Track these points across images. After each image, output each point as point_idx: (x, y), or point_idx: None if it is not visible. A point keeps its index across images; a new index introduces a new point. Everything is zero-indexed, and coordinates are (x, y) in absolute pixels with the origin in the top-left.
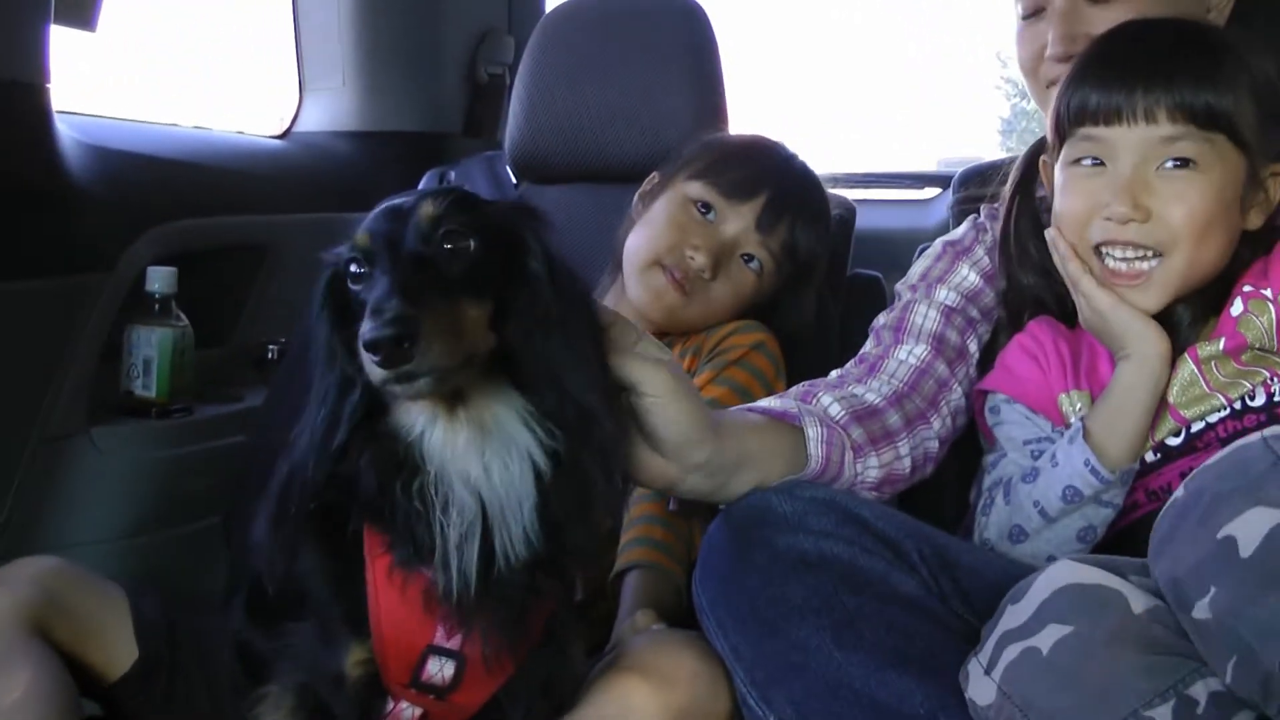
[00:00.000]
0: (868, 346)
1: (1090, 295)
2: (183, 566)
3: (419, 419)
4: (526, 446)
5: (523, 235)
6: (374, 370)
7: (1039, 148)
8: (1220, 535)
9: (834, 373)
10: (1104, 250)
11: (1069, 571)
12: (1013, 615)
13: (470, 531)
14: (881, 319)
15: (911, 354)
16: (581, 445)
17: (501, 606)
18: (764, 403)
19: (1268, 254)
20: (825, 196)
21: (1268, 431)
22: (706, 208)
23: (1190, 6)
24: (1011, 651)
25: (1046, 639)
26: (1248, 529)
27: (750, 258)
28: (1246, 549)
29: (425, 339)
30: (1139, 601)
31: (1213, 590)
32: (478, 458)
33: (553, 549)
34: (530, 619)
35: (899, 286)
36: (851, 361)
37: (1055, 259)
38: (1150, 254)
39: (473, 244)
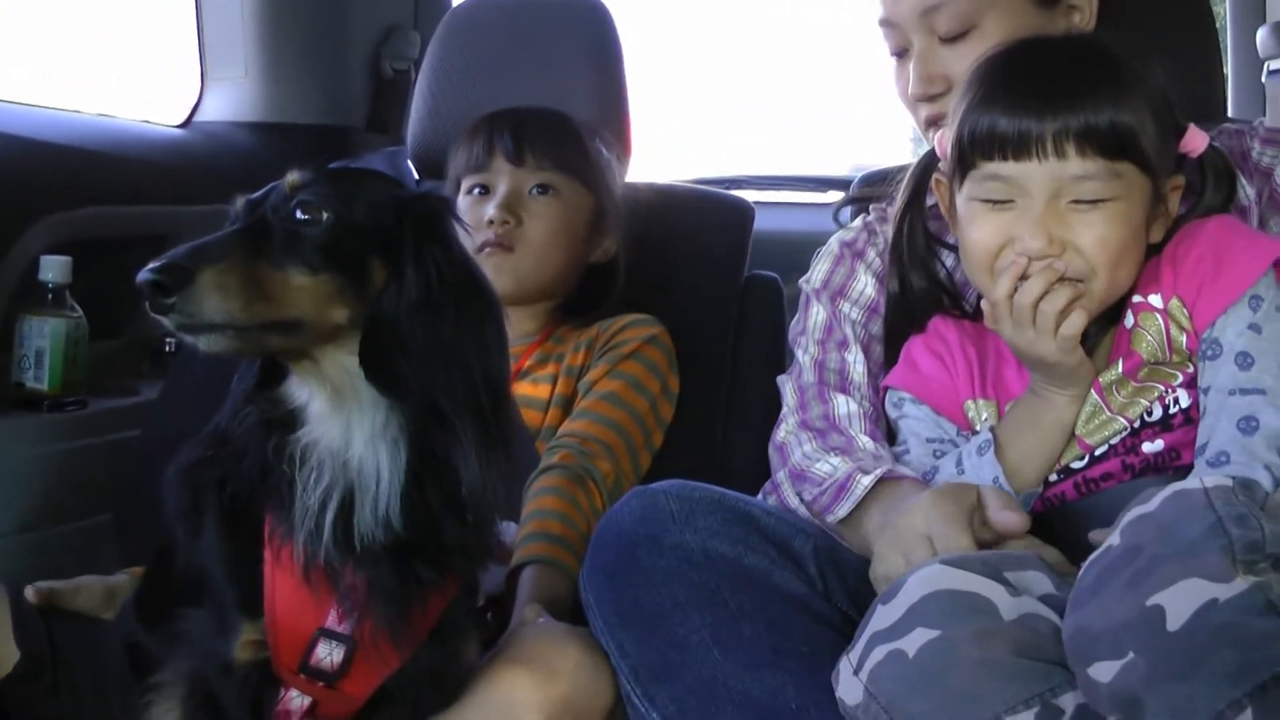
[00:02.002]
0: (809, 382)
1: (1036, 342)
2: (74, 563)
3: (303, 389)
4: (383, 426)
5: (402, 221)
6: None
7: (929, 161)
8: (1149, 603)
9: (800, 421)
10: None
11: (942, 575)
12: (883, 616)
13: (329, 496)
14: (816, 352)
15: (855, 405)
16: (447, 436)
17: (378, 589)
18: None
19: (1158, 256)
20: (564, 114)
21: (1210, 481)
22: (479, 189)
23: (1046, 30)
24: (879, 653)
25: (913, 642)
26: (1178, 601)
27: (539, 190)
28: (1174, 623)
29: (198, 290)
30: (1010, 608)
31: (1131, 656)
32: (341, 429)
33: (426, 539)
34: (415, 609)
35: (802, 285)
36: (815, 410)
37: (989, 319)
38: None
39: (325, 215)
